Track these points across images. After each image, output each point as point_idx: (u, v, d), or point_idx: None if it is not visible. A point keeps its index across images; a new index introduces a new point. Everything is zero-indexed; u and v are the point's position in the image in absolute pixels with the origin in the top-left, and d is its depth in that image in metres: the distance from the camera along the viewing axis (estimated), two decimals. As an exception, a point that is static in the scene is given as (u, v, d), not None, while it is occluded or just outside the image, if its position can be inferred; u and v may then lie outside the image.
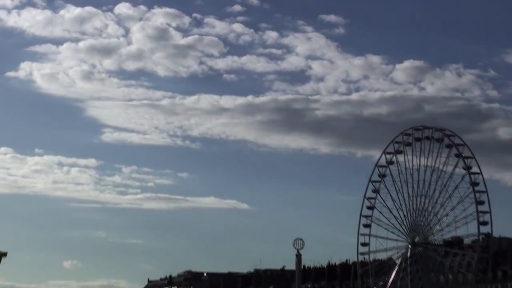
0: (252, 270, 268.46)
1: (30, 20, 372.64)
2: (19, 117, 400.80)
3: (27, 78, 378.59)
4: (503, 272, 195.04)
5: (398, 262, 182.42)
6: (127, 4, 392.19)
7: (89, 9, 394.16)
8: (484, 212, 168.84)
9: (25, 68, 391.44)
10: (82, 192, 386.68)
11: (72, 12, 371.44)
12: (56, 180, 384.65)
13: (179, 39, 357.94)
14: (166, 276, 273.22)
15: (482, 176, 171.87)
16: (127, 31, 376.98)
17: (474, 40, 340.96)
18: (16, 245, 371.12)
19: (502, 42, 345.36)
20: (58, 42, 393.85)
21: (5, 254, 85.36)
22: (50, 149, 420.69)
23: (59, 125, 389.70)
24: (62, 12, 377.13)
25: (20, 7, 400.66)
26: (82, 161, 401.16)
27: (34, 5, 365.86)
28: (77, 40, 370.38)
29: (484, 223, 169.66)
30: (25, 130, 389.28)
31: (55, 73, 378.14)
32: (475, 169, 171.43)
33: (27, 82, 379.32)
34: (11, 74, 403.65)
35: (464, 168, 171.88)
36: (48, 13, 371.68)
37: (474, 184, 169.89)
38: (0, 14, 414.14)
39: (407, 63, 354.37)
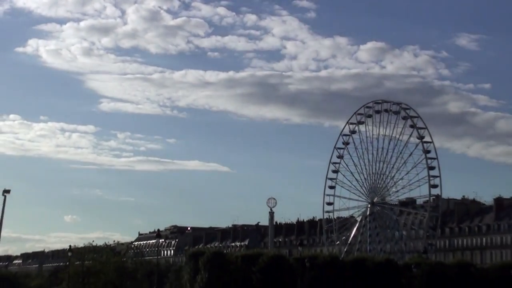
0: (230, 225, 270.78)
1: (37, 2, 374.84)
2: (26, 88, 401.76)
3: (34, 54, 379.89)
4: (450, 229, 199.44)
5: (358, 219, 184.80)
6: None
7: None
8: (435, 176, 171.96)
9: (32, 45, 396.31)
10: (81, 155, 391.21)
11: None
12: (58, 144, 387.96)
13: (169, 20, 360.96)
14: (154, 230, 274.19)
15: (434, 145, 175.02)
16: (123, 13, 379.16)
17: (430, 25, 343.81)
18: (22, 202, 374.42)
19: (454, 27, 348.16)
20: (61, 21, 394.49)
21: (8, 191, 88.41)
22: (54, 116, 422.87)
23: (62, 95, 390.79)
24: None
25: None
26: (82, 128, 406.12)
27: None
28: (78, 20, 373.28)
29: (435, 186, 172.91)
30: (31, 99, 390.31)
31: (58, 49, 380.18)
32: (427, 138, 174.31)
33: (34, 57, 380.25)
34: (19, 49, 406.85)
35: (417, 138, 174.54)
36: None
37: (426, 151, 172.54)
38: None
39: (370, 44, 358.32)
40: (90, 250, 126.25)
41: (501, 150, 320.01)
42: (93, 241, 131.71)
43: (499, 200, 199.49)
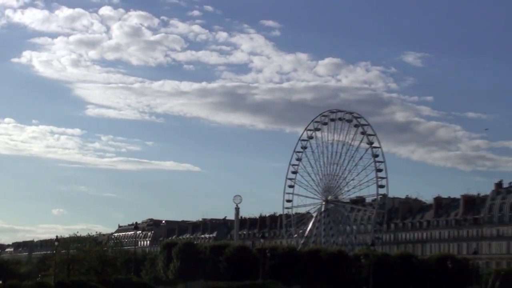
0: (200, 219, 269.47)
1: (31, 17, 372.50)
2: (20, 94, 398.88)
3: (28, 64, 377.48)
4: (395, 224, 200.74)
5: (314, 215, 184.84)
6: (109, 7, 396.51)
7: (78, 10, 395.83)
8: (382, 178, 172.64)
9: (26, 56, 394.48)
10: (68, 155, 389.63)
11: (65, 12, 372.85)
12: (48, 145, 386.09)
13: (149, 36, 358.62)
14: (132, 223, 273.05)
15: (381, 149, 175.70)
16: (108, 29, 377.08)
17: (380, 44, 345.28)
18: (15, 196, 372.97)
19: (402, 46, 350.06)
20: (53, 35, 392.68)
21: None
22: (44, 120, 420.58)
23: (52, 101, 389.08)
24: (57, 12, 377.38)
25: (24, 7, 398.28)
26: (69, 131, 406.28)
27: (35, 6, 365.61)
28: (68, 35, 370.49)
29: (382, 186, 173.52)
30: (24, 104, 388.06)
31: (50, 60, 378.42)
32: (376, 144, 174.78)
33: (28, 67, 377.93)
34: (15, 60, 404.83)
35: (367, 143, 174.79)
36: (46, 12, 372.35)
37: (375, 155, 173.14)
38: (8, 12, 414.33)
39: (327, 60, 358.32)
40: (74, 240, 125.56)
41: (441, 155, 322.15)
42: (77, 232, 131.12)
43: (438, 199, 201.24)
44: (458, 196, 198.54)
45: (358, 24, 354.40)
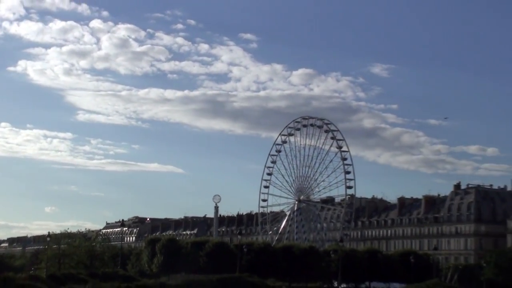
0: (182, 217, 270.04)
1: (27, 29, 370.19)
2: (16, 100, 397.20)
3: (23, 72, 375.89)
4: (362, 222, 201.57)
5: (287, 213, 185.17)
6: (99, 20, 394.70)
7: (70, 22, 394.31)
8: (350, 179, 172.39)
9: (22, 65, 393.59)
10: (60, 157, 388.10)
11: (58, 24, 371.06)
12: (41, 148, 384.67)
13: (136, 47, 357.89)
14: (119, 220, 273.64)
15: (350, 153, 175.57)
16: (98, 40, 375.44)
17: (349, 56, 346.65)
18: (10, 195, 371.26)
19: (369, 58, 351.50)
20: (47, 46, 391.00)
21: None
22: (38, 124, 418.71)
23: (45, 107, 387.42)
24: (50, 24, 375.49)
25: (20, 19, 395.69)
26: (61, 134, 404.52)
27: (30, 18, 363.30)
28: (61, 45, 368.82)
29: (350, 187, 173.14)
30: (20, 110, 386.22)
31: (43, 69, 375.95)
32: (345, 148, 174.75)
33: (23, 75, 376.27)
34: (11, 69, 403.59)
35: (337, 147, 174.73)
36: (40, 24, 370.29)
37: (343, 159, 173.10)
38: (4, 24, 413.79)
39: (300, 71, 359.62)
40: (65, 236, 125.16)
41: (405, 158, 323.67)
42: (68, 228, 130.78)
43: (401, 199, 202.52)
44: (420, 196, 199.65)
45: (329, 38, 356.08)
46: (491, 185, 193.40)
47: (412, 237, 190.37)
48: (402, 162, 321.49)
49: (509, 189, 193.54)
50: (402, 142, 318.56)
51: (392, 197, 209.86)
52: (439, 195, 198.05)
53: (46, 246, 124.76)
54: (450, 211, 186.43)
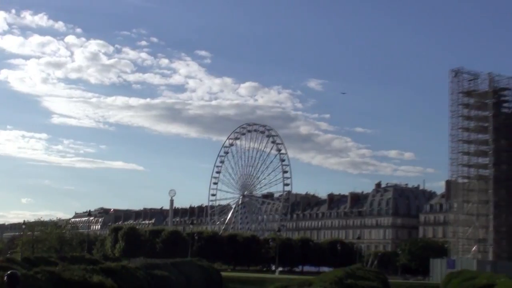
0: (142, 208, 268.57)
1: (9, 43, 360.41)
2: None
3: (5, 80, 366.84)
4: (297, 215, 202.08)
5: (233, 206, 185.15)
6: (73, 36, 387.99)
7: (48, 37, 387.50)
8: (287, 178, 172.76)
9: (4, 74, 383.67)
10: (36, 155, 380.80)
11: (37, 39, 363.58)
12: (20, 147, 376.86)
13: (106, 60, 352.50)
14: (87, 210, 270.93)
15: (287, 155, 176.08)
16: (72, 53, 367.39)
17: (289, 71, 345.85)
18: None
19: (306, 74, 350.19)
20: (26, 58, 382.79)
21: None
22: (17, 126, 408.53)
23: (24, 111, 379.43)
24: (30, 38, 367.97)
25: (3, 34, 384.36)
26: (37, 135, 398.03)
27: (12, 33, 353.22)
28: (39, 57, 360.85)
29: (287, 184, 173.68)
30: (1, 113, 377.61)
31: (23, 78, 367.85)
32: (283, 151, 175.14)
33: (4, 83, 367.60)
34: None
35: (276, 150, 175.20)
36: (21, 38, 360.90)
37: (282, 160, 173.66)
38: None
39: (247, 84, 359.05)
40: (39, 224, 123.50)
41: (335, 160, 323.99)
42: (41, 217, 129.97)
43: (331, 196, 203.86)
44: (346, 193, 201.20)
45: (272, 55, 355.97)
46: (406, 184, 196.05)
47: (339, 228, 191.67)
48: (332, 163, 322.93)
49: (421, 188, 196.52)
50: (333, 146, 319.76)
51: (323, 194, 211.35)
52: (362, 192, 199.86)
53: (22, 233, 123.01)
54: (371, 206, 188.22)
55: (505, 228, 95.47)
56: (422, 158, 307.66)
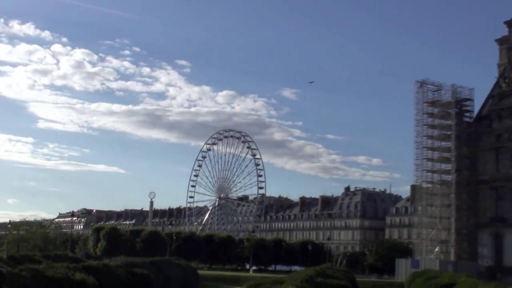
0: (123, 209, 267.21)
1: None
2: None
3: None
4: (270, 217, 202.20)
5: (210, 208, 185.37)
6: (59, 45, 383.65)
7: (35, 46, 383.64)
8: (262, 181, 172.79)
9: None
10: (23, 158, 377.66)
11: (24, 47, 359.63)
12: (6, 150, 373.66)
13: (90, 68, 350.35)
14: (70, 211, 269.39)
15: (262, 160, 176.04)
16: (58, 61, 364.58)
17: (265, 80, 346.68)
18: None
19: (281, 83, 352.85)
20: (14, 65, 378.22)
21: None
22: (5, 130, 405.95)
23: (11, 116, 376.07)
24: (18, 47, 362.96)
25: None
26: (24, 139, 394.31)
27: (0, 41, 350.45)
28: (26, 65, 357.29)
29: (261, 188, 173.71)
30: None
31: (11, 84, 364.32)
32: (258, 156, 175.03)
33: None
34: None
35: (251, 155, 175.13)
36: (9, 46, 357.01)
37: (257, 165, 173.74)
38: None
39: (225, 92, 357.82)
40: (24, 224, 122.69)
41: (307, 165, 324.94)
42: (27, 217, 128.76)
43: (302, 198, 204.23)
44: (317, 196, 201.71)
45: (249, 66, 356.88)
46: (374, 189, 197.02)
47: (310, 229, 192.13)
48: (304, 168, 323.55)
49: (388, 192, 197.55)
50: (305, 152, 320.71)
51: (295, 197, 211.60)
52: (332, 195, 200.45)
53: (8, 232, 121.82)
54: (341, 209, 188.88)
55: (466, 231, 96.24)
56: (389, 164, 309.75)
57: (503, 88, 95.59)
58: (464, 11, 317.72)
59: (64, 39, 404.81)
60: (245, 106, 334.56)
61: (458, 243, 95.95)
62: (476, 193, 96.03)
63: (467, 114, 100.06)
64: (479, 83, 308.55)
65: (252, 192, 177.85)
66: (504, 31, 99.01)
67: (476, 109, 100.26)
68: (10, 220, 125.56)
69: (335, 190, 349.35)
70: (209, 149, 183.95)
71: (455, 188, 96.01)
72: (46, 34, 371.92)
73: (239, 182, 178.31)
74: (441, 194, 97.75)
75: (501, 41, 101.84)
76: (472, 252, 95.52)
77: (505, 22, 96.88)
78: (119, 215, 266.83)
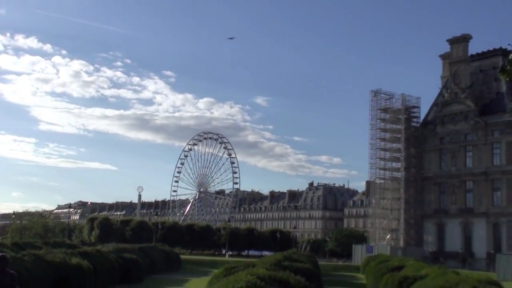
0: (114, 202, 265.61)
1: (4, 61, 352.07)
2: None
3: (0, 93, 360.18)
4: (244, 208, 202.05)
5: (191, 201, 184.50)
6: (59, 57, 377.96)
7: (37, 57, 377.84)
8: (236, 178, 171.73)
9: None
10: (26, 156, 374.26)
11: (28, 58, 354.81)
12: (11, 149, 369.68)
13: (86, 77, 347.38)
14: (68, 203, 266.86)
15: (237, 159, 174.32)
16: (58, 71, 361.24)
17: (240, 89, 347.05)
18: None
19: (254, 91, 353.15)
20: (18, 74, 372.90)
21: None
22: (9, 131, 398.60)
23: (16, 119, 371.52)
24: (22, 58, 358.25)
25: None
26: (27, 139, 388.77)
27: (7, 53, 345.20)
28: (29, 74, 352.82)
29: (236, 183, 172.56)
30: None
31: (16, 91, 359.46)
32: (233, 155, 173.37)
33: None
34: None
35: (227, 155, 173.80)
36: (15, 57, 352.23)
37: (232, 163, 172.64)
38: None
39: (205, 99, 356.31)
40: (26, 214, 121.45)
41: (276, 164, 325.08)
42: (29, 208, 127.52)
43: (272, 193, 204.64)
44: (285, 190, 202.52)
45: (226, 76, 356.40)
46: (334, 184, 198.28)
47: (279, 219, 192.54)
48: (274, 166, 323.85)
49: (346, 187, 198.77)
50: (275, 152, 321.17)
51: (265, 191, 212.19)
52: (298, 190, 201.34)
53: (12, 222, 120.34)
54: (305, 201, 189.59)
55: (413, 220, 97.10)
56: (347, 162, 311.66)
57: (445, 98, 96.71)
58: (413, 30, 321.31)
59: (64, 51, 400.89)
60: (222, 112, 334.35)
61: (407, 231, 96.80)
62: (422, 188, 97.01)
63: (415, 119, 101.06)
64: (425, 93, 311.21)
65: (228, 187, 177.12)
66: (446, 48, 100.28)
67: (422, 116, 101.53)
68: (14, 211, 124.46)
69: (301, 185, 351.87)
70: (190, 149, 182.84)
71: (404, 184, 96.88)
72: (48, 47, 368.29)
73: (217, 178, 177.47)
74: (392, 189, 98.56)
75: (444, 57, 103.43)
76: (418, 239, 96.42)
77: (448, 40, 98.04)
78: (111, 207, 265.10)
